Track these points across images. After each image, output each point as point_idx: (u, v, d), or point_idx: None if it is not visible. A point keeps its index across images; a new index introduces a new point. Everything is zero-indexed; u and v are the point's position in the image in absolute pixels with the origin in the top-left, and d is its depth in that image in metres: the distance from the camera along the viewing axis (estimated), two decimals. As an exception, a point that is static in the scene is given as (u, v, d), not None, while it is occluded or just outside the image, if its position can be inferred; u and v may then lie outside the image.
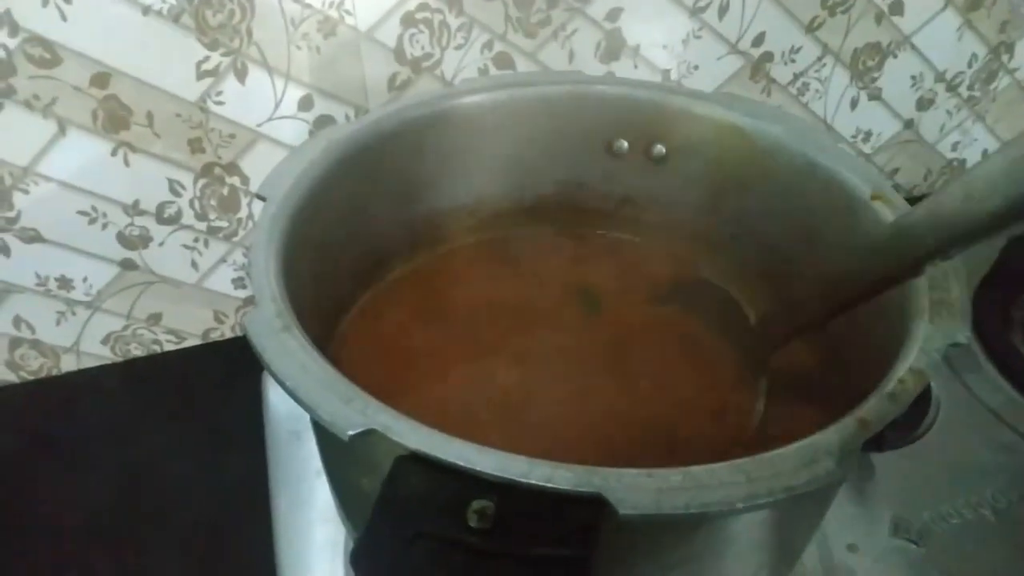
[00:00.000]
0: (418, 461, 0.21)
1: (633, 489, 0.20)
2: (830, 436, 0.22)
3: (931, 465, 0.45)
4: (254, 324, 0.24)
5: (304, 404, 0.22)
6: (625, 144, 0.40)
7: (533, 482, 0.20)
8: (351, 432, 0.21)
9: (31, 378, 0.52)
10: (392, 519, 0.20)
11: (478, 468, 0.20)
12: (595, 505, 0.19)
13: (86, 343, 0.52)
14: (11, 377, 0.51)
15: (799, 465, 0.21)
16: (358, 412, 0.21)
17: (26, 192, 0.45)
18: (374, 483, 0.21)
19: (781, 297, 0.34)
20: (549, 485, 0.20)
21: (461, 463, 0.20)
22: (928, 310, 0.26)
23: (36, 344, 0.51)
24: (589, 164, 0.40)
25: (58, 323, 0.50)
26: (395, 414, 0.22)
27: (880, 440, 0.45)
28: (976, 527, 0.42)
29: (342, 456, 0.27)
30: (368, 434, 0.21)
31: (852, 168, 0.33)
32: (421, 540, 0.19)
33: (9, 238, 0.46)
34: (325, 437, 0.29)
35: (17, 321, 0.49)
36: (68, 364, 0.52)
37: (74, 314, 0.50)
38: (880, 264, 0.27)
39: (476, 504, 0.20)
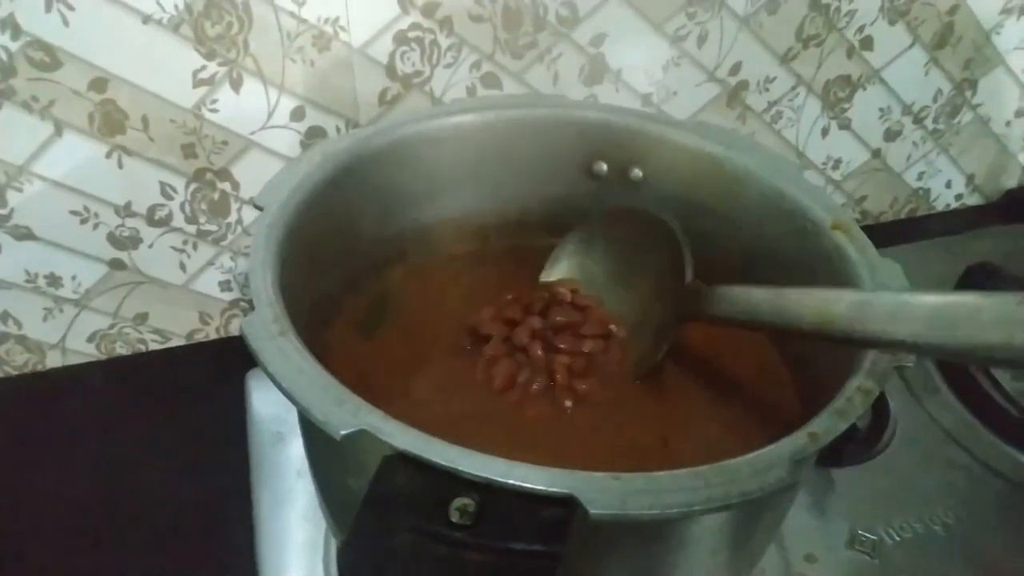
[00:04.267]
0: (405, 460, 0.22)
1: (602, 491, 0.21)
2: (783, 447, 0.24)
3: (887, 481, 0.47)
4: (252, 328, 0.25)
5: (299, 405, 0.23)
6: (604, 166, 0.42)
7: (511, 482, 0.21)
8: (343, 432, 0.22)
9: (15, 373, 0.53)
10: (379, 514, 0.22)
11: (460, 468, 0.22)
12: (568, 504, 0.21)
13: (72, 340, 0.52)
14: (-5, 371, 0.52)
15: (753, 473, 0.23)
16: (350, 413, 0.23)
17: (20, 190, 0.46)
18: (360, 481, 0.23)
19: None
20: (526, 485, 0.21)
21: (445, 463, 0.22)
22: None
23: (22, 340, 0.51)
24: (570, 184, 0.42)
25: (45, 319, 0.51)
26: (384, 416, 0.23)
27: (840, 455, 0.47)
28: (927, 541, 0.44)
29: (331, 455, 0.29)
30: (359, 434, 0.22)
31: (816, 198, 0.36)
32: (406, 534, 0.21)
33: (1, 235, 0.47)
34: (314, 437, 0.30)
35: (4, 316, 0.50)
36: (53, 360, 0.53)
37: (61, 311, 0.51)
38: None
39: (458, 502, 0.21)
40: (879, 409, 0.51)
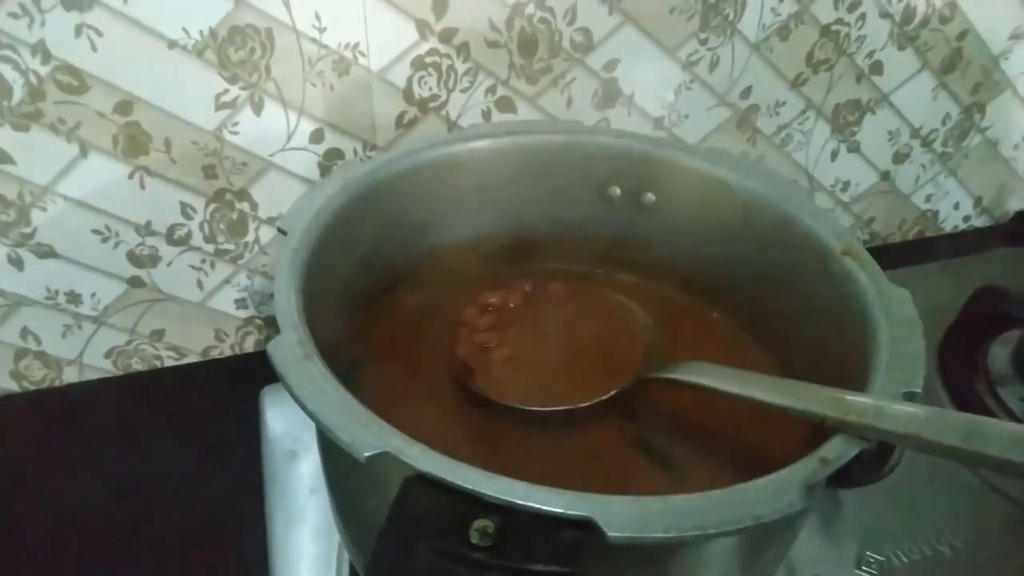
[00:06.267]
0: (426, 482, 0.23)
1: (619, 514, 0.22)
2: (794, 472, 0.24)
3: (895, 503, 0.47)
4: (278, 351, 0.26)
5: (324, 426, 0.24)
6: (618, 191, 0.42)
7: (531, 505, 0.22)
8: (367, 453, 0.23)
9: (32, 388, 0.53)
10: (401, 535, 0.22)
11: (481, 490, 0.22)
12: (586, 527, 0.22)
13: (89, 356, 0.53)
14: (13, 387, 0.53)
15: (766, 497, 0.23)
16: (373, 435, 0.24)
17: (44, 210, 0.47)
18: (380, 501, 0.23)
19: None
20: (545, 508, 0.22)
21: (466, 485, 0.22)
22: (887, 362, 0.28)
23: (41, 355, 0.52)
24: (584, 207, 0.43)
25: (64, 336, 0.52)
26: (407, 438, 0.24)
27: (848, 477, 0.47)
28: (934, 563, 0.44)
29: (351, 476, 0.29)
30: (382, 456, 0.23)
31: (826, 224, 0.36)
32: (427, 555, 0.22)
33: (24, 252, 0.48)
34: (334, 457, 0.31)
35: (24, 333, 0.51)
36: (70, 376, 0.54)
37: (80, 328, 0.52)
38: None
39: (478, 523, 0.22)
40: (888, 431, 0.51)
